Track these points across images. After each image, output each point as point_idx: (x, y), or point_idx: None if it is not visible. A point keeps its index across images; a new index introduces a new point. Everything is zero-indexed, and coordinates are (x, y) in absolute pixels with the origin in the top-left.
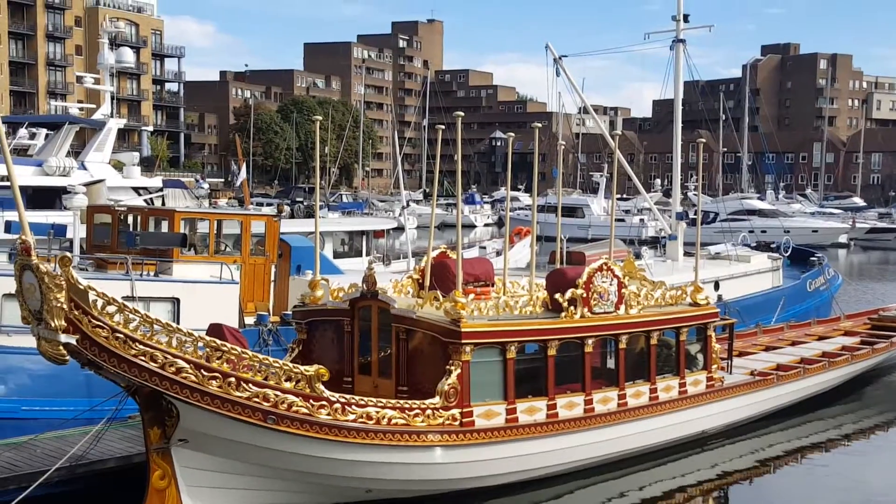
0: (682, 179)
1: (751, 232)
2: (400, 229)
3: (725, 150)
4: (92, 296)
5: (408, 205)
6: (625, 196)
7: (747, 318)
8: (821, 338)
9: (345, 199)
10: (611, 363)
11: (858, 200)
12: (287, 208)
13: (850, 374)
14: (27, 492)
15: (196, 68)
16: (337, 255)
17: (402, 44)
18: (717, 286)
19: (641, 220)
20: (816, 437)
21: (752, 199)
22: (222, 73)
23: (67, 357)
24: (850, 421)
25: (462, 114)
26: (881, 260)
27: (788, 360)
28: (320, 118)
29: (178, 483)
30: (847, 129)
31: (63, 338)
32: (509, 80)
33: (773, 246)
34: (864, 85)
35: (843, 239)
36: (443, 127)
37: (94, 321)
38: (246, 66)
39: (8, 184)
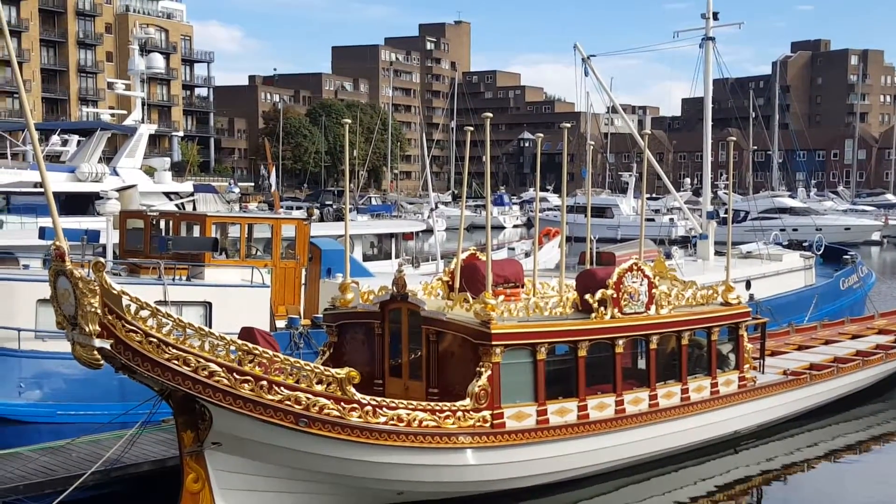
0: (712, 178)
1: (782, 230)
2: (429, 231)
3: (755, 147)
4: (125, 300)
5: (436, 207)
6: (654, 196)
7: (780, 317)
8: (854, 336)
9: (374, 202)
10: (642, 364)
11: (891, 197)
12: (316, 212)
13: (885, 373)
14: (63, 495)
15: (225, 73)
16: (366, 258)
17: (429, 46)
18: (748, 285)
19: (671, 219)
20: (850, 438)
21: (784, 197)
22: (251, 78)
23: (102, 361)
24: (884, 420)
25: (490, 115)
26: None
27: (822, 360)
28: (349, 122)
29: (212, 486)
30: (879, 126)
31: (97, 342)
32: (537, 81)
33: (805, 244)
34: None
35: (875, 236)
36: (471, 128)
37: (127, 326)
38: (275, 70)
39: (42, 190)
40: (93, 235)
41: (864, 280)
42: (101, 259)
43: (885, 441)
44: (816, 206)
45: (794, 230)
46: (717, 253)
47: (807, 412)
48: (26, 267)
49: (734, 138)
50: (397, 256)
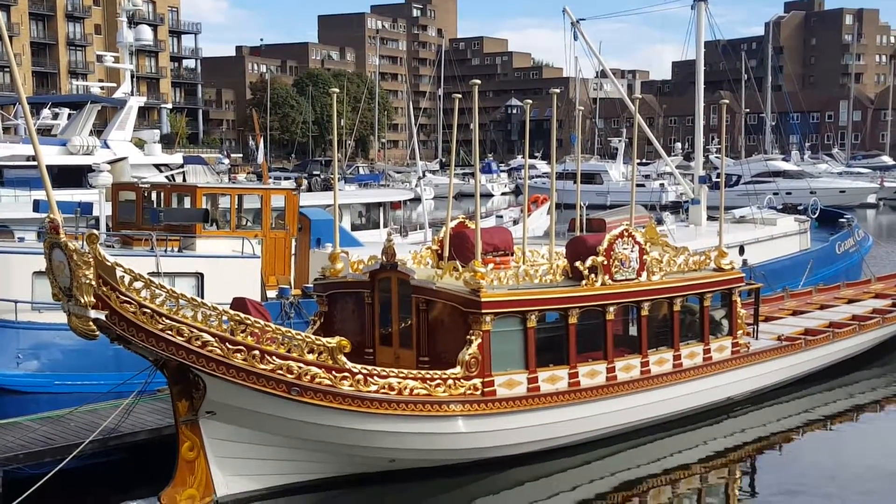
0: (703, 142)
1: (775, 194)
2: (416, 200)
3: (748, 110)
4: (119, 272)
5: (423, 175)
6: (644, 161)
7: (774, 283)
8: (850, 301)
9: (361, 171)
10: (633, 330)
11: (887, 159)
12: (305, 181)
13: (882, 338)
14: (63, 464)
15: (212, 44)
16: (354, 228)
17: (415, 13)
18: (742, 250)
19: (661, 184)
20: (846, 403)
21: (777, 161)
22: (238, 49)
23: (97, 332)
24: (881, 385)
25: (478, 82)
26: None
27: (817, 325)
28: (337, 91)
29: (207, 454)
30: (875, 86)
31: (92, 313)
32: (524, 47)
33: (800, 208)
34: (892, 40)
35: (871, 199)
36: (458, 96)
37: (121, 297)
38: (261, 40)
39: (35, 164)
40: (86, 208)
41: (860, 244)
42: (95, 231)
43: (881, 407)
44: (811, 168)
45: (788, 194)
46: (710, 218)
47: (802, 378)
48: (21, 240)
49: (726, 101)
50: (385, 225)
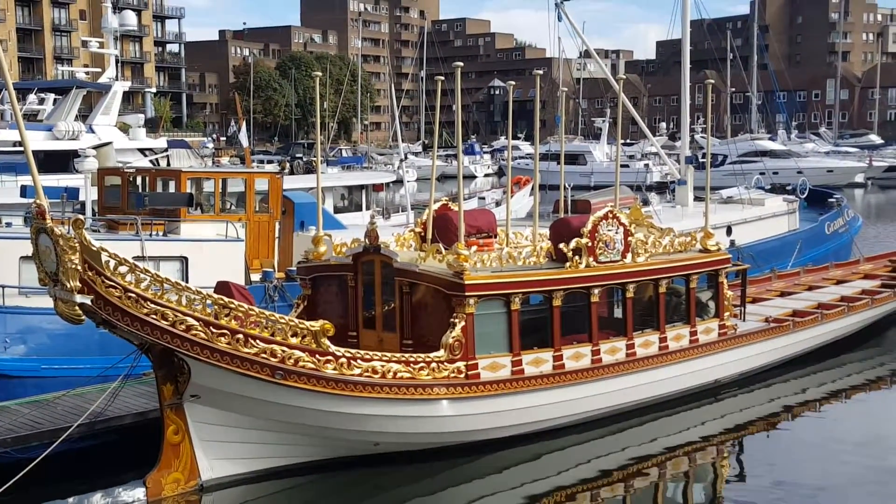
0: (689, 122)
1: (762, 174)
2: (399, 182)
3: (734, 89)
4: (104, 257)
5: (406, 157)
6: (628, 141)
7: (763, 264)
8: (839, 282)
9: (344, 154)
10: (618, 313)
11: (875, 138)
12: (287, 165)
13: (871, 319)
14: (51, 448)
15: (196, 28)
16: (337, 210)
17: None
18: (729, 231)
19: (646, 165)
20: (835, 385)
21: (764, 140)
22: (221, 33)
23: (83, 317)
24: (870, 367)
25: (461, 64)
26: None
27: (805, 306)
28: (319, 74)
29: (192, 437)
30: (862, 65)
31: (78, 298)
32: (507, 28)
33: (788, 188)
34: (879, 18)
35: (859, 178)
36: (441, 78)
37: (107, 281)
38: (244, 24)
39: (21, 149)
40: (72, 193)
41: (850, 224)
42: (81, 216)
43: (870, 388)
44: (798, 148)
45: (775, 173)
46: (697, 198)
47: (790, 360)
48: (9, 225)
49: (711, 81)
50: (367, 208)
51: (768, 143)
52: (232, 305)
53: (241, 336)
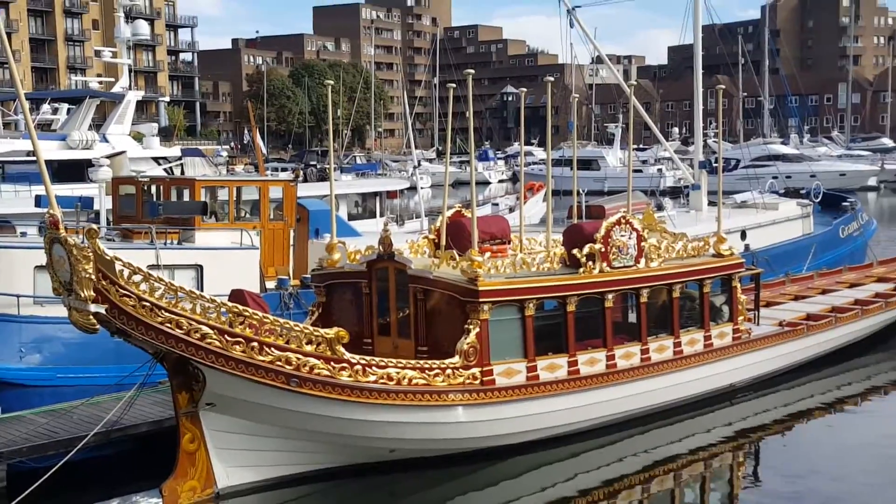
0: (702, 127)
1: (775, 178)
2: (413, 189)
3: (745, 94)
4: (118, 266)
5: (419, 164)
6: (641, 146)
7: (777, 268)
8: (852, 285)
9: (358, 161)
10: (633, 318)
11: (887, 141)
12: (301, 172)
13: (885, 322)
14: (67, 457)
15: (208, 37)
16: (351, 217)
17: (409, 2)
18: (743, 235)
19: (659, 170)
20: (849, 389)
21: (776, 144)
22: (234, 41)
23: (97, 326)
24: (884, 371)
25: (472, 71)
26: None
27: (819, 310)
28: (332, 82)
29: (208, 445)
30: (873, 68)
31: (92, 307)
32: (519, 34)
33: (802, 192)
34: (890, 21)
35: (872, 182)
36: (454, 85)
37: (121, 290)
38: (257, 32)
39: (35, 159)
40: (86, 202)
41: (864, 227)
42: (94, 226)
43: (884, 392)
44: (810, 152)
45: (788, 177)
46: (711, 203)
47: (804, 364)
48: (24, 235)
49: (723, 86)
50: (381, 215)
51: (781, 148)
52: (246, 313)
53: (255, 344)
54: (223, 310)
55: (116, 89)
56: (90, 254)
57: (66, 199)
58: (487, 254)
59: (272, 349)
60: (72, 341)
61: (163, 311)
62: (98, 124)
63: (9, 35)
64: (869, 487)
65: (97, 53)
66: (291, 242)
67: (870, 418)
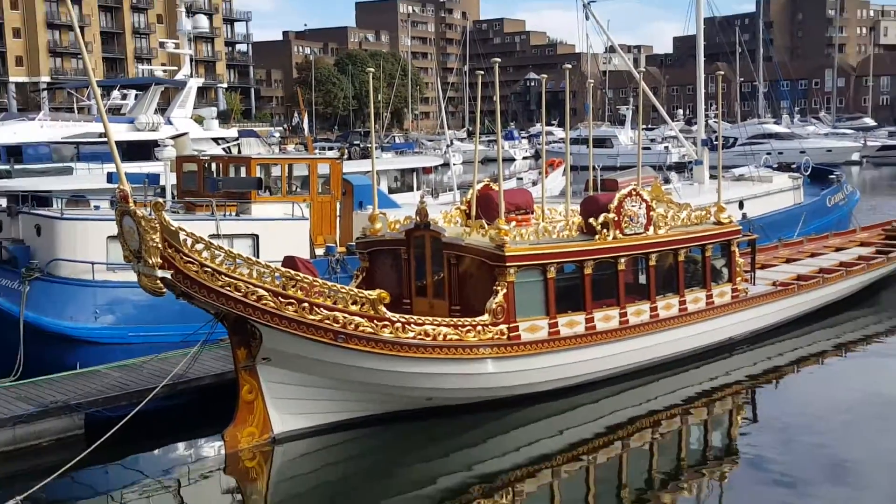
0: (703, 108)
1: (769, 154)
2: (446, 165)
3: (742, 79)
4: (182, 235)
5: (452, 143)
6: (649, 126)
7: (771, 234)
8: (838, 249)
9: (397, 141)
10: (642, 279)
11: (869, 121)
12: (346, 151)
13: (867, 282)
14: (138, 407)
15: (262, 30)
16: (391, 191)
17: None
18: (741, 205)
19: (666, 147)
20: (836, 342)
21: (770, 124)
22: (284, 34)
23: (164, 289)
24: (866, 325)
25: (499, 60)
26: (892, 175)
27: (808, 271)
28: (373, 70)
29: (264, 395)
30: (856, 56)
31: (159, 273)
32: (540, 26)
33: (794, 166)
34: (872, 13)
35: (855, 157)
36: (482, 72)
37: (185, 258)
38: (305, 25)
39: (106, 140)
40: (153, 178)
41: (848, 197)
42: (160, 199)
43: (866, 343)
44: (800, 130)
45: (780, 153)
46: (712, 177)
47: (795, 319)
48: (97, 208)
49: (722, 72)
50: (418, 188)
51: (774, 127)
52: (298, 277)
53: (306, 304)
54: (277, 274)
55: (179, 77)
56: (157, 225)
57: (134, 175)
58: (513, 223)
59: (321, 309)
60: (141, 303)
61: (222, 276)
62: (163, 109)
63: (81, 29)
64: (853, 425)
65: (161, 45)
66: (338, 214)
67: (854, 367)
